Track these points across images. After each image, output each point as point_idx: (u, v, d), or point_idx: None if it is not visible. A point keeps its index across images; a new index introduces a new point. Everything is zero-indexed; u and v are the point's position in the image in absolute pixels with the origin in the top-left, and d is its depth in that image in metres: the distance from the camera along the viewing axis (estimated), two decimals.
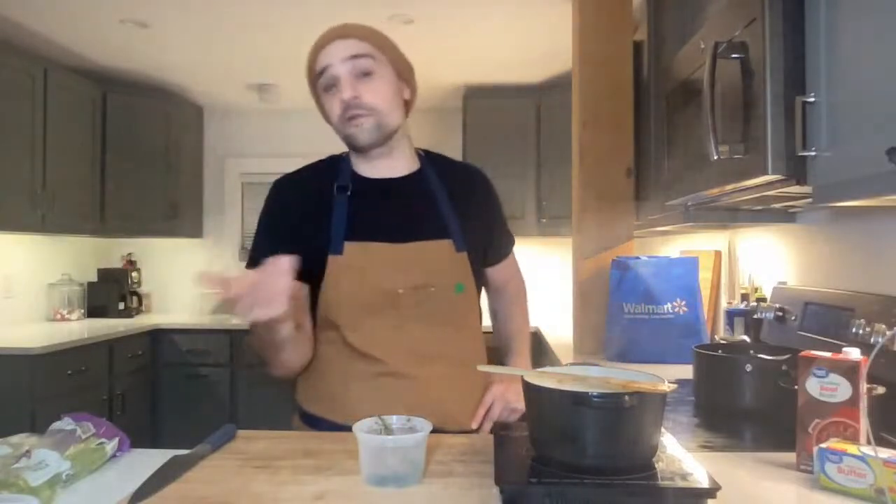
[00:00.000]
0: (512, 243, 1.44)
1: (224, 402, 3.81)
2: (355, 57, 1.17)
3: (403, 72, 1.25)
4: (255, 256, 1.17)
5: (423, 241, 1.20)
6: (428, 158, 1.32)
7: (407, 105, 1.27)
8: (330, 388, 1.21)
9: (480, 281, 1.32)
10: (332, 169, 1.27)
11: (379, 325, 1.18)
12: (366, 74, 1.18)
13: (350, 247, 1.17)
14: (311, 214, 1.21)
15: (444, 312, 1.21)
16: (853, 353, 0.93)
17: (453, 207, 1.25)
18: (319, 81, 1.21)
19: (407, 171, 1.28)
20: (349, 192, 1.22)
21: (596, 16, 2.42)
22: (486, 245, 1.34)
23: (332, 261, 1.17)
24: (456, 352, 1.22)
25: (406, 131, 1.28)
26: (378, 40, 1.22)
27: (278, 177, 1.29)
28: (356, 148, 1.23)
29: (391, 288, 1.16)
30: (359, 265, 1.17)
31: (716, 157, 1.27)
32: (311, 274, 1.16)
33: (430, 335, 1.19)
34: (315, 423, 1.22)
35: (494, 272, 1.40)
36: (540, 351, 3.18)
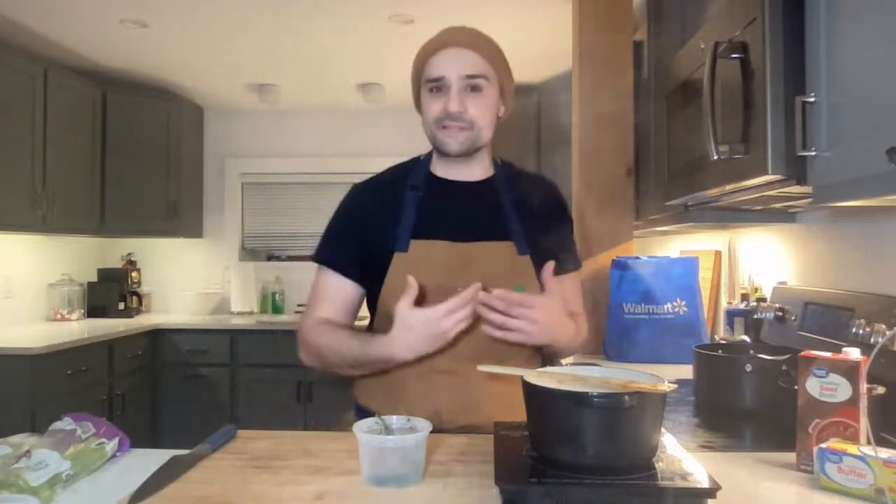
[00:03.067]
0: (576, 263, 1.40)
1: (224, 402, 3.80)
2: (471, 77, 1.21)
3: (506, 90, 1.30)
4: (325, 252, 1.30)
5: (485, 241, 1.23)
6: (503, 166, 1.36)
7: (498, 120, 1.31)
8: (388, 385, 1.23)
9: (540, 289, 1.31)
10: (406, 171, 1.32)
11: None
12: (475, 89, 1.22)
13: (415, 244, 1.21)
14: (383, 216, 1.25)
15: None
16: (853, 353, 0.93)
17: (519, 213, 1.28)
18: (427, 83, 1.23)
19: (481, 176, 1.32)
20: (421, 193, 1.26)
21: (596, 16, 2.42)
22: (551, 255, 1.29)
23: (398, 257, 1.21)
24: (509, 353, 1.22)
25: (489, 141, 1.31)
26: (494, 57, 1.25)
27: (357, 181, 1.34)
28: (441, 151, 1.26)
29: (451, 285, 1.17)
30: (422, 262, 1.20)
31: (716, 157, 1.27)
32: (376, 272, 1.22)
33: (486, 335, 1.19)
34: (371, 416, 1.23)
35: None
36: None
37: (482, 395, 1.20)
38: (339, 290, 1.28)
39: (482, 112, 1.22)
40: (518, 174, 1.37)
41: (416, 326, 1.08)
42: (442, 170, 1.30)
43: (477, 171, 1.31)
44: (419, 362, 1.17)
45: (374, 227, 1.25)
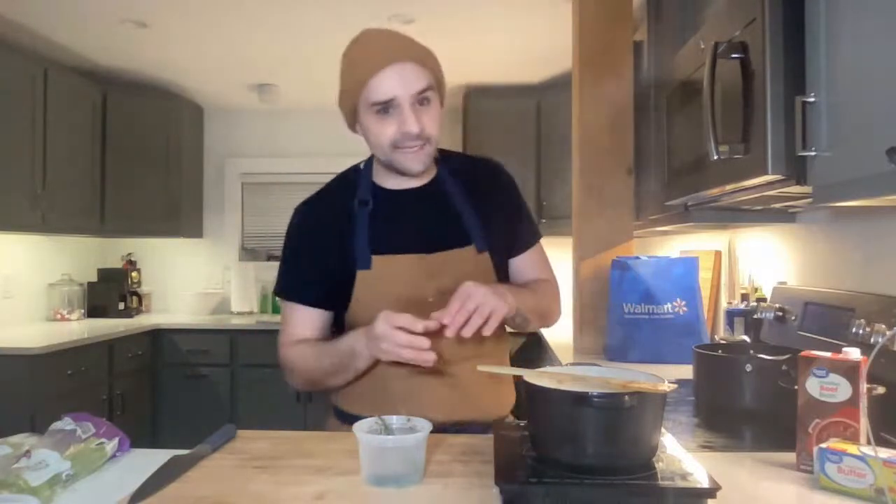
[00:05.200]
0: (536, 234, 1.39)
1: (224, 402, 3.81)
2: (421, 92, 1.14)
3: (444, 92, 1.23)
4: (286, 286, 1.27)
5: (447, 250, 1.22)
6: (442, 159, 1.31)
7: None
8: (368, 388, 1.22)
9: (505, 277, 1.31)
10: (350, 184, 1.27)
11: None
12: (422, 103, 1.15)
13: (378, 260, 1.19)
14: (335, 235, 1.22)
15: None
16: (853, 353, 0.93)
17: (472, 206, 1.26)
18: (372, 105, 1.15)
19: (426, 179, 1.27)
20: (371, 207, 1.23)
21: (596, 16, 2.42)
22: (510, 237, 1.32)
23: (361, 276, 1.20)
24: (485, 349, 1.22)
25: None
26: (432, 64, 1.18)
27: (298, 204, 1.30)
28: (403, 173, 1.20)
29: (421, 296, 1.18)
30: (388, 277, 1.19)
31: (716, 157, 1.27)
32: (338, 293, 1.21)
33: (460, 337, 1.20)
34: (354, 421, 1.22)
35: (520, 263, 1.36)
36: (540, 351, 3.18)
37: (471, 392, 1.21)
38: (308, 319, 1.25)
39: (435, 122, 1.17)
40: (458, 164, 1.32)
41: (374, 335, 1.07)
42: (388, 180, 1.25)
43: (423, 175, 1.25)
44: (400, 367, 1.16)
45: (330, 248, 1.22)
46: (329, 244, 1.22)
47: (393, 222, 1.23)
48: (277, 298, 1.31)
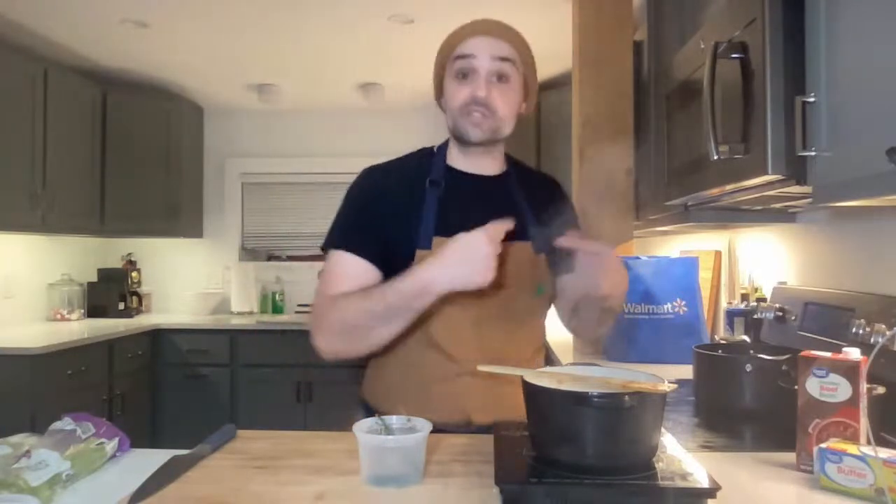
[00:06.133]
0: None
1: (224, 402, 3.81)
2: (502, 60, 1.19)
3: (530, 86, 1.28)
4: (344, 236, 1.21)
5: (507, 241, 1.19)
6: (512, 162, 1.35)
7: (519, 117, 1.29)
8: (408, 387, 1.20)
9: (555, 288, 1.32)
10: (423, 163, 1.28)
11: (459, 320, 1.18)
12: (501, 78, 1.20)
13: (438, 242, 1.17)
14: (402, 205, 1.21)
15: (522, 313, 1.24)
16: (853, 353, 0.93)
17: (533, 212, 1.28)
18: (454, 65, 1.21)
19: (497, 171, 1.31)
20: (441, 187, 1.23)
21: (596, 16, 2.42)
22: (564, 254, 1.31)
23: (420, 255, 1.18)
24: (523, 353, 1.23)
25: (507, 136, 1.29)
26: (522, 50, 1.24)
27: (367, 166, 1.29)
28: (463, 140, 1.24)
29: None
30: None
31: (716, 157, 1.27)
32: (393, 264, 1.15)
33: (505, 335, 1.21)
34: None
35: (567, 282, 1.34)
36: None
37: (511, 395, 1.19)
38: (361, 272, 1.18)
39: (506, 102, 1.21)
40: (527, 171, 1.38)
41: (457, 249, 1.02)
42: (460, 162, 1.28)
43: (494, 165, 1.30)
44: (444, 363, 1.16)
45: (394, 218, 1.20)
46: (393, 212, 1.21)
47: (459, 207, 1.22)
48: (327, 252, 1.22)
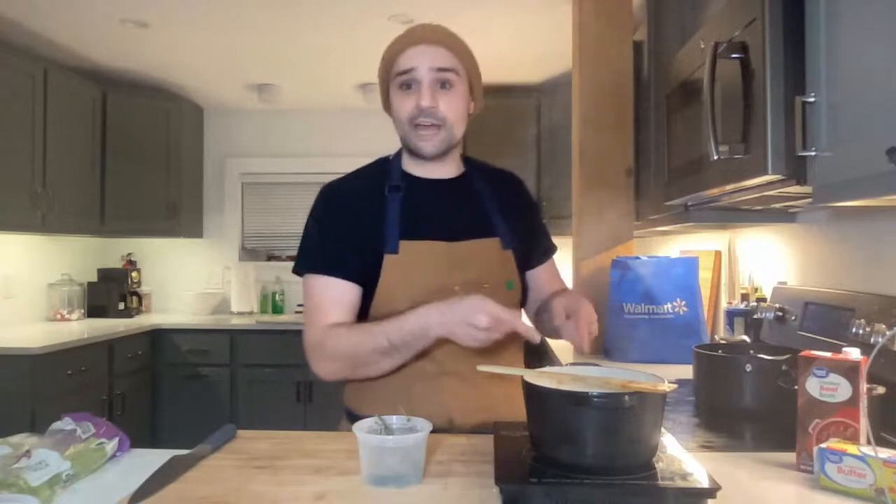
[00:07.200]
0: (553, 248, 1.44)
1: (224, 402, 3.81)
2: (442, 70, 1.20)
3: (475, 87, 1.28)
4: (319, 260, 1.22)
5: (474, 239, 1.23)
6: (469, 162, 1.36)
7: (469, 117, 1.30)
8: (389, 389, 1.19)
9: (524, 283, 1.34)
10: (380, 171, 1.30)
11: None
12: (445, 85, 1.21)
13: (406, 245, 1.19)
14: (364, 217, 1.23)
15: None
16: (853, 353, 0.93)
17: (498, 208, 1.29)
18: (397, 79, 1.22)
19: (455, 173, 1.32)
20: (402, 192, 1.25)
21: (596, 16, 2.42)
22: (529, 246, 1.35)
23: (389, 260, 1.19)
24: (503, 349, 1.22)
25: (461, 139, 1.30)
26: (462, 53, 1.24)
27: (325, 184, 1.30)
28: (418, 156, 1.25)
29: (448, 285, 1.18)
30: (415, 263, 1.19)
31: (716, 157, 1.27)
32: (366, 275, 1.19)
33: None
34: None
35: (542, 275, 1.40)
36: (540, 351, 3.17)
37: (491, 395, 1.20)
38: (343, 295, 1.20)
39: (453, 108, 1.21)
40: (486, 169, 1.38)
41: (458, 310, 1.04)
42: (417, 169, 1.29)
43: (451, 168, 1.31)
44: (424, 364, 1.17)
45: (359, 228, 1.21)
46: (360, 222, 1.22)
47: (422, 209, 1.24)
48: (304, 277, 1.24)
